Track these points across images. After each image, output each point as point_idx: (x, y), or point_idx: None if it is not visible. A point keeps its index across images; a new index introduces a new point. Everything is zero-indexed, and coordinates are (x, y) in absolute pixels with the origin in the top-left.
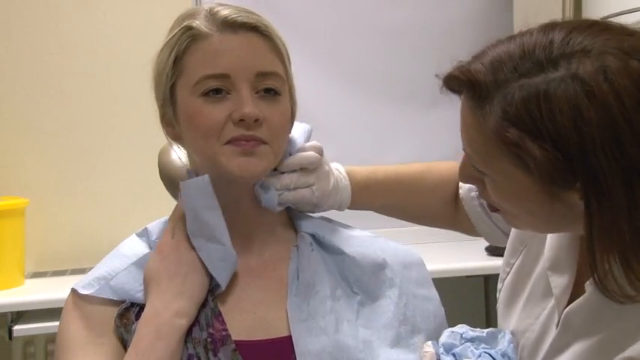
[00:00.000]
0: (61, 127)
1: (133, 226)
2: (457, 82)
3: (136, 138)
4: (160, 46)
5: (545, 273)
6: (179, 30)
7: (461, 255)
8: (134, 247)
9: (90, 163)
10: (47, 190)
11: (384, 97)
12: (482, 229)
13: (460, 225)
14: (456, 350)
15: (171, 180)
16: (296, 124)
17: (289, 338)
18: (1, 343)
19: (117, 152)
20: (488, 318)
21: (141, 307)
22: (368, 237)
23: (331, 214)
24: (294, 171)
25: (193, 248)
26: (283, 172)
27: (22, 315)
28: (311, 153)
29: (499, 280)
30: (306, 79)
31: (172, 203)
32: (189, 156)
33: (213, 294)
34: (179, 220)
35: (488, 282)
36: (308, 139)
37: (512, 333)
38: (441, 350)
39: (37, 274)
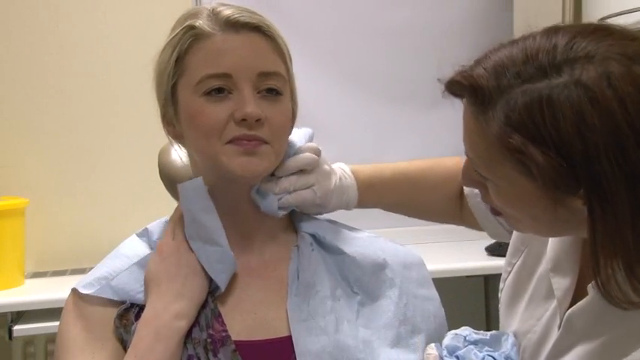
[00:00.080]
0: (61, 127)
1: (133, 226)
2: (459, 87)
3: (136, 138)
4: (162, 46)
5: (547, 274)
6: (181, 29)
7: (461, 255)
8: (135, 248)
9: (90, 163)
10: (47, 190)
11: (385, 97)
12: (486, 226)
13: (465, 220)
14: (460, 353)
15: (171, 180)
16: (297, 129)
17: (289, 338)
18: (1, 343)
19: (117, 152)
20: (488, 318)
21: (141, 308)
22: (368, 237)
23: (336, 213)
24: (292, 174)
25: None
26: (281, 177)
27: (22, 315)
28: (307, 154)
29: (501, 279)
30: (306, 79)
31: (172, 203)
32: (190, 156)
33: (213, 295)
34: (179, 222)
35: (488, 282)
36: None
37: (515, 334)
38: (445, 353)
39: (37, 274)
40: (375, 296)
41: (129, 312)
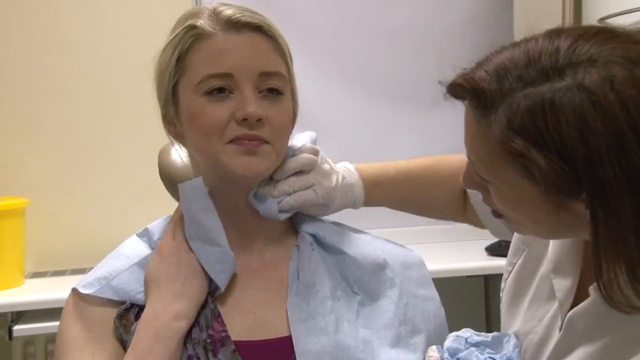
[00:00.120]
0: (61, 127)
1: (133, 226)
2: (461, 89)
3: (136, 138)
4: (162, 46)
5: (549, 274)
6: (182, 29)
7: (461, 255)
8: (135, 248)
9: (90, 163)
10: (47, 190)
11: (385, 97)
12: (489, 224)
13: (468, 218)
14: (461, 355)
15: (171, 180)
16: (300, 133)
17: (289, 338)
18: (1, 343)
19: (117, 152)
20: (488, 318)
21: (141, 308)
22: (368, 237)
23: (337, 212)
24: (290, 175)
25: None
26: (279, 180)
27: (22, 315)
28: (304, 155)
29: (502, 279)
30: (306, 79)
31: (172, 203)
32: (191, 156)
33: (213, 295)
34: (179, 222)
35: (488, 282)
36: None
37: (516, 334)
38: (446, 355)
39: (37, 274)
40: (375, 296)
41: (129, 312)
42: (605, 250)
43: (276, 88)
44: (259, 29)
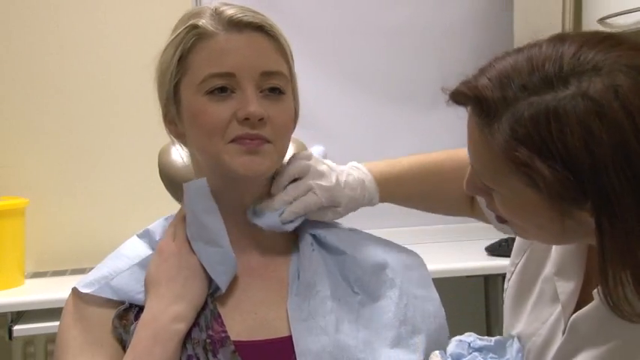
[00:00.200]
0: (61, 127)
1: (133, 226)
2: (464, 97)
3: (136, 138)
4: (163, 45)
5: (552, 276)
6: (184, 28)
7: (461, 255)
8: (136, 249)
9: (90, 163)
10: (47, 190)
11: (385, 97)
12: (493, 220)
13: (476, 212)
14: None
15: (171, 180)
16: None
17: (290, 338)
18: (1, 343)
19: (117, 152)
20: (488, 318)
21: (140, 309)
22: (369, 237)
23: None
24: (286, 186)
25: (194, 251)
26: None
27: (22, 315)
28: (296, 162)
29: (505, 280)
30: (307, 79)
31: (172, 203)
32: (192, 155)
33: (213, 296)
34: (181, 223)
35: (488, 282)
36: None
37: (519, 336)
38: None
39: (37, 274)
40: (375, 296)
41: (128, 312)
42: (612, 259)
43: (278, 87)
44: (261, 29)
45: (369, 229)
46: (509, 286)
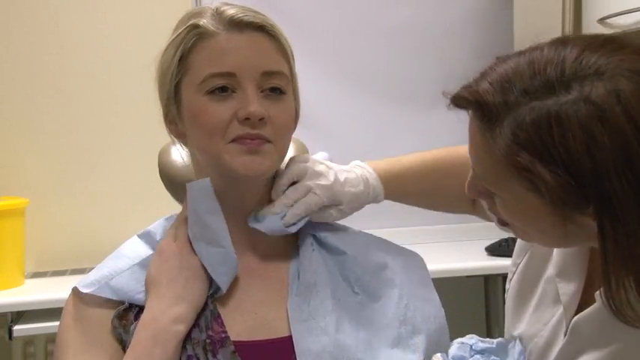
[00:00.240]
0: (61, 127)
1: (133, 226)
2: (465, 102)
3: (136, 138)
4: (163, 45)
5: (554, 278)
6: (185, 28)
7: (461, 255)
8: (136, 249)
9: (90, 163)
10: (47, 190)
11: (385, 97)
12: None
13: (477, 210)
14: None
15: (171, 180)
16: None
17: (290, 338)
18: (1, 343)
19: (117, 152)
20: (488, 318)
21: (140, 309)
22: (369, 238)
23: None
24: (285, 189)
25: (195, 252)
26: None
27: (22, 315)
28: (294, 166)
29: (507, 280)
30: (307, 79)
31: (172, 203)
32: (192, 155)
33: (213, 297)
34: (182, 223)
35: (488, 282)
36: None
37: (521, 336)
38: None
39: (37, 274)
40: (375, 296)
41: (128, 312)
42: (614, 264)
43: (279, 87)
44: (262, 29)
45: (369, 229)
46: (511, 287)
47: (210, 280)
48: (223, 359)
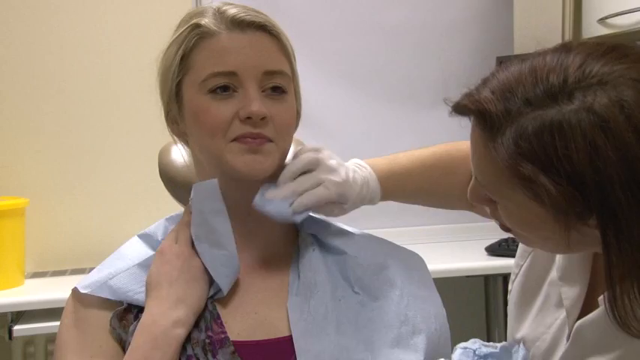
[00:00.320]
0: (61, 127)
1: (133, 226)
2: (466, 110)
3: (136, 138)
4: (164, 45)
5: (557, 281)
6: (187, 27)
7: (461, 255)
8: (136, 249)
9: (90, 163)
10: (47, 190)
11: (385, 97)
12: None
13: (478, 208)
14: None
15: (171, 180)
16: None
17: (290, 338)
18: (1, 343)
19: (117, 152)
20: (488, 318)
21: (140, 309)
22: (369, 238)
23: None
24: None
25: (196, 255)
26: (286, 182)
27: (22, 315)
28: (306, 154)
29: (510, 281)
30: (306, 79)
31: (172, 203)
32: (193, 155)
33: (213, 298)
34: (185, 226)
35: (488, 282)
36: None
37: (523, 340)
38: None
39: (37, 274)
40: (376, 296)
41: (128, 313)
42: (619, 275)
43: (280, 86)
44: (263, 28)
45: (369, 229)
46: (514, 289)
47: (210, 282)
48: (223, 359)
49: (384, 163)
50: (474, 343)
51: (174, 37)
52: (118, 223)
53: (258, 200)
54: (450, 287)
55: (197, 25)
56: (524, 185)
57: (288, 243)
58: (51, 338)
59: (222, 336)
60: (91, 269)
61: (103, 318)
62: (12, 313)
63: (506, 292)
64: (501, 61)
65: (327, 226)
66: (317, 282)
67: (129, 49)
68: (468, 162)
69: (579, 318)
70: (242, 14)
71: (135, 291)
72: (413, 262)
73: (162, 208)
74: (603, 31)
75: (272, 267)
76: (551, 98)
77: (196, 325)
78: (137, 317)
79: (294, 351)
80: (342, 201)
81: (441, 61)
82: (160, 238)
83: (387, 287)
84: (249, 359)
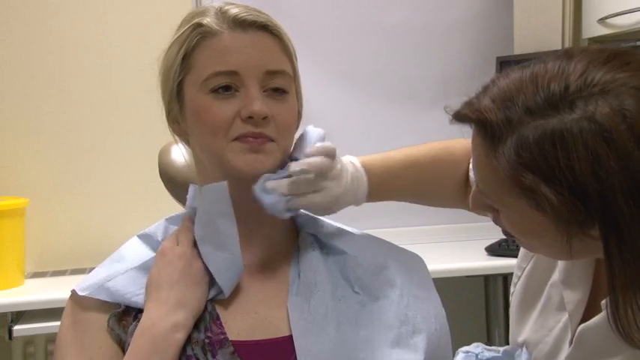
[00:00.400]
0: (61, 127)
1: (133, 226)
2: (467, 119)
3: (136, 138)
4: (166, 44)
5: (559, 284)
6: (189, 27)
7: (461, 255)
8: (135, 251)
9: (90, 163)
10: (47, 190)
11: (385, 97)
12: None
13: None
14: None
15: (171, 180)
16: (310, 127)
17: (290, 338)
18: (1, 343)
19: (117, 152)
20: (488, 318)
21: (139, 310)
22: (369, 237)
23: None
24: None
25: (197, 257)
26: (291, 176)
27: (22, 315)
28: (320, 159)
29: (512, 283)
30: (306, 79)
31: (172, 203)
32: (194, 154)
33: (213, 300)
34: (187, 229)
35: (488, 282)
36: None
37: (525, 342)
38: None
39: (37, 274)
40: (376, 296)
41: (127, 314)
42: (621, 285)
43: (281, 87)
44: (265, 28)
45: (369, 229)
46: (516, 292)
47: (211, 284)
48: (222, 359)
49: (377, 167)
50: (477, 347)
51: (176, 36)
52: (118, 223)
53: (257, 188)
54: (450, 287)
55: (199, 25)
56: (525, 195)
57: (289, 243)
58: (51, 338)
59: (222, 337)
60: (91, 269)
61: (102, 320)
62: (12, 313)
63: (506, 292)
64: (501, 62)
65: (327, 226)
66: (317, 282)
67: (129, 49)
68: (460, 165)
69: (582, 322)
70: (244, 14)
71: (133, 293)
72: (413, 262)
73: (163, 208)
74: (603, 31)
75: (272, 267)
76: (553, 107)
77: (196, 326)
78: (136, 318)
79: (294, 350)
80: (331, 209)
81: (441, 61)
82: (159, 239)
83: (387, 287)
84: (249, 359)
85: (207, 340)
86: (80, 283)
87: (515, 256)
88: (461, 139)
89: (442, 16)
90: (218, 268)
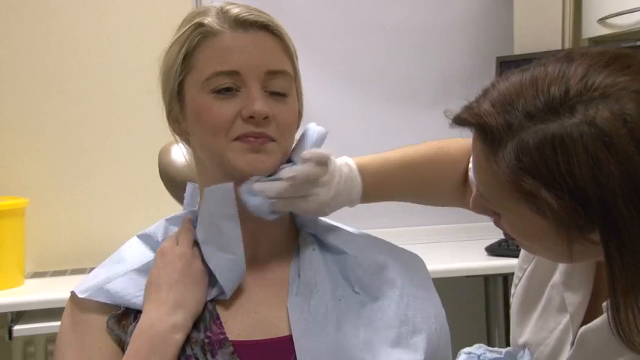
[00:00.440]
0: (61, 127)
1: (133, 226)
2: (467, 124)
3: (136, 138)
4: (167, 44)
5: (560, 285)
6: (190, 26)
7: (461, 255)
8: (135, 252)
9: (90, 163)
10: (47, 190)
11: (385, 97)
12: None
13: (468, 204)
14: None
15: (171, 180)
16: (312, 125)
17: (290, 338)
18: (1, 343)
19: (117, 152)
20: (488, 318)
21: (139, 311)
22: (369, 237)
23: (338, 212)
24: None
25: (197, 257)
26: (280, 179)
27: (22, 315)
28: (310, 167)
29: (512, 284)
30: (306, 79)
31: (172, 203)
32: (195, 154)
33: (214, 300)
34: (187, 230)
35: (488, 282)
36: (320, 144)
37: (526, 344)
38: None
39: (37, 274)
40: (376, 296)
41: (127, 315)
42: (622, 290)
43: (282, 92)
44: (266, 28)
45: (369, 229)
46: (517, 293)
47: (211, 284)
48: (222, 359)
49: (374, 168)
50: (479, 349)
51: (177, 36)
52: (118, 223)
53: (243, 189)
54: (450, 287)
55: (200, 25)
56: (526, 199)
57: (289, 242)
58: (51, 338)
59: (222, 337)
60: (91, 269)
61: (101, 321)
62: (12, 313)
63: (506, 292)
64: (501, 62)
65: (327, 226)
66: (317, 282)
67: (129, 49)
68: (457, 165)
69: (583, 323)
70: (245, 14)
71: (133, 295)
72: (413, 262)
73: (163, 208)
74: (603, 31)
75: (272, 266)
76: (553, 111)
77: (195, 325)
78: (136, 319)
79: (293, 350)
80: (318, 214)
81: (441, 61)
82: (159, 239)
83: (387, 287)
84: (249, 359)
85: (206, 340)
86: (80, 285)
87: (516, 257)
88: (458, 138)
89: (442, 16)
90: (221, 268)
